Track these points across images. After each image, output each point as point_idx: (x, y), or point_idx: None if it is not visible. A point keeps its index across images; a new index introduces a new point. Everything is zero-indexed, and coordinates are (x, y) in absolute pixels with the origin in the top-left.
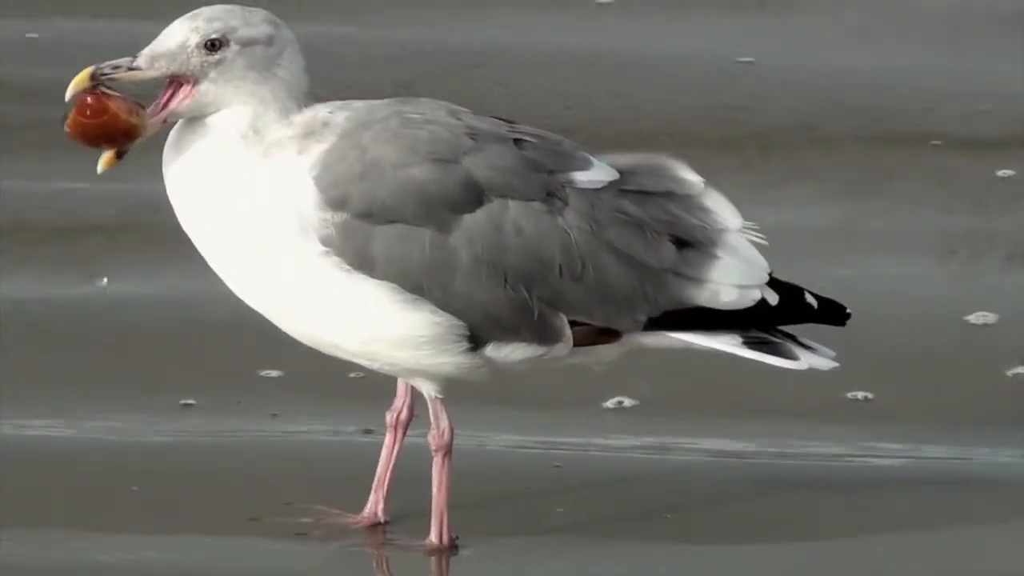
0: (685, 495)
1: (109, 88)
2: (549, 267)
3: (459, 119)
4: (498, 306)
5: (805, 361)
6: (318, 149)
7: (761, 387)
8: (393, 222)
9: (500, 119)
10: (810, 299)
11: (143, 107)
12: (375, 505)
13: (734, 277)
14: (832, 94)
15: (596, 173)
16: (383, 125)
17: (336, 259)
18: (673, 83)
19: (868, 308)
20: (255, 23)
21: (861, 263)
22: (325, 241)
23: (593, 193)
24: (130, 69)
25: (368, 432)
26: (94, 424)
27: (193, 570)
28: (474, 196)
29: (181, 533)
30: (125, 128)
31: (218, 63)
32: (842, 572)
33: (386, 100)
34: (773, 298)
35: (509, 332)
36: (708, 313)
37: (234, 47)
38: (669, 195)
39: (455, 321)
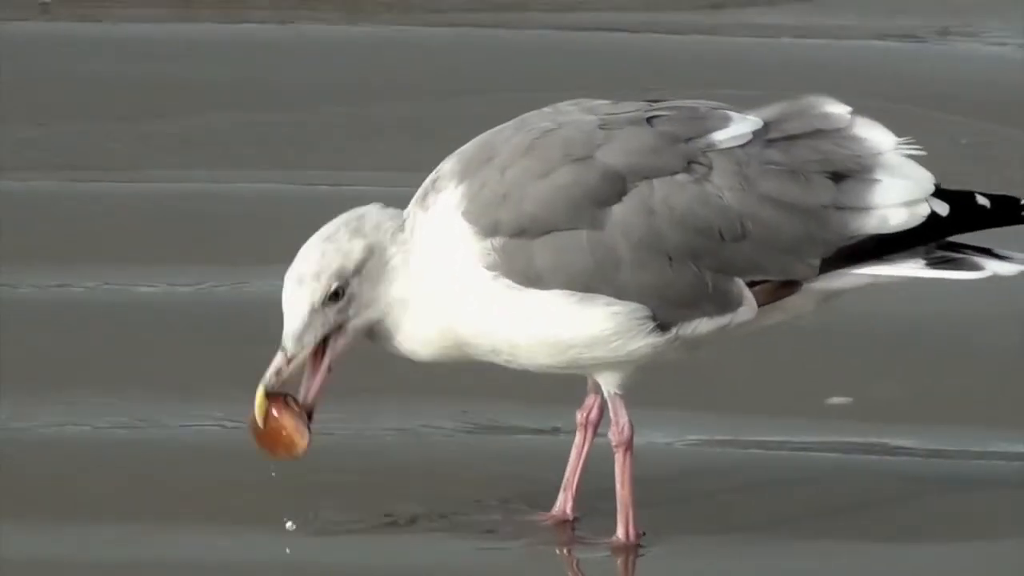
0: (872, 494)
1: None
2: (709, 235)
3: (594, 114)
4: (671, 287)
5: (989, 270)
6: (447, 194)
7: (963, 387)
8: (549, 232)
9: (646, 100)
10: (982, 200)
11: (308, 429)
12: (564, 503)
13: (899, 196)
14: None
15: (736, 128)
16: (515, 141)
17: (506, 281)
18: None
19: None
20: (351, 249)
21: None
22: (491, 267)
23: (738, 150)
24: (289, 361)
25: (555, 431)
26: None
27: (381, 566)
28: (617, 186)
29: (367, 530)
30: (287, 445)
31: (350, 301)
32: None
33: (510, 123)
34: (943, 208)
35: (689, 308)
36: (883, 240)
37: (354, 281)
38: (817, 133)
39: (634, 305)
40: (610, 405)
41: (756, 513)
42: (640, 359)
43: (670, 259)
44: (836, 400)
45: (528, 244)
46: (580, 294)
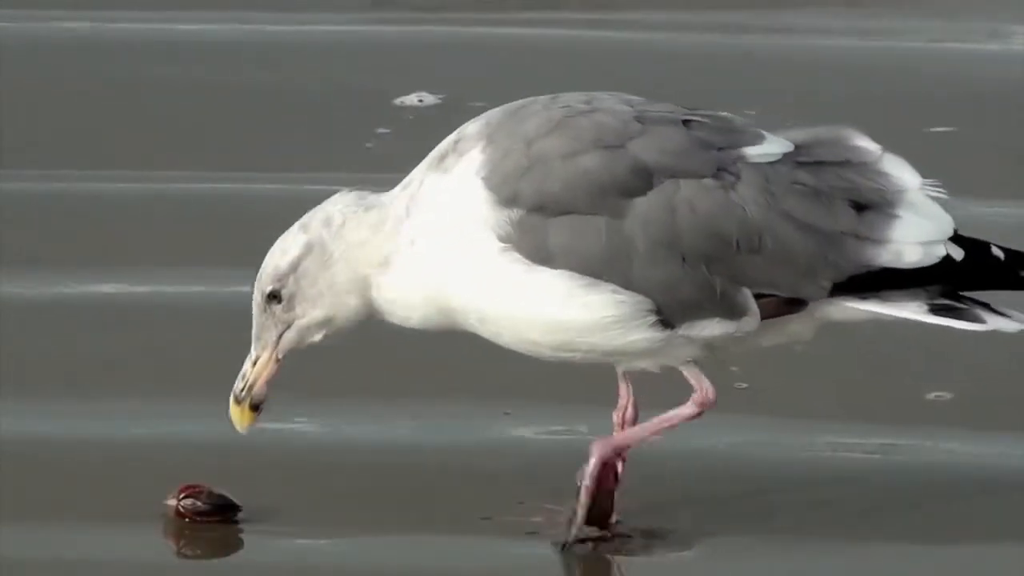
0: (916, 495)
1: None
2: (726, 243)
3: (630, 106)
4: (679, 286)
5: (991, 324)
6: (470, 157)
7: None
8: (567, 213)
9: (681, 107)
10: (996, 252)
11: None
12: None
13: (917, 234)
14: None
15: (768, 147)
16: (546, 115)
17: (516, 255)
18: None
19: None
20: (288, 246)
21: None
22: (504, 239)
23: (767, 167)
24: (254, 365)
25: (507, 415)
26: (338, 422)
27: (424, 567)
28: (644, 180)
29: (412, 531)
30: None
31: (290, 300)
32: None
33: (542, 96)
34: (958, 253)
35: (694, 310)
36: (895, 274)
37: (290, 280)
38: (845, 163)
39: (639, 297)
40: (692, 377)
41: (796, 514)
42: (633, 352)
43: (683, 259)
44: (936, 395)
45: (545, 221)
46: (588, 278)
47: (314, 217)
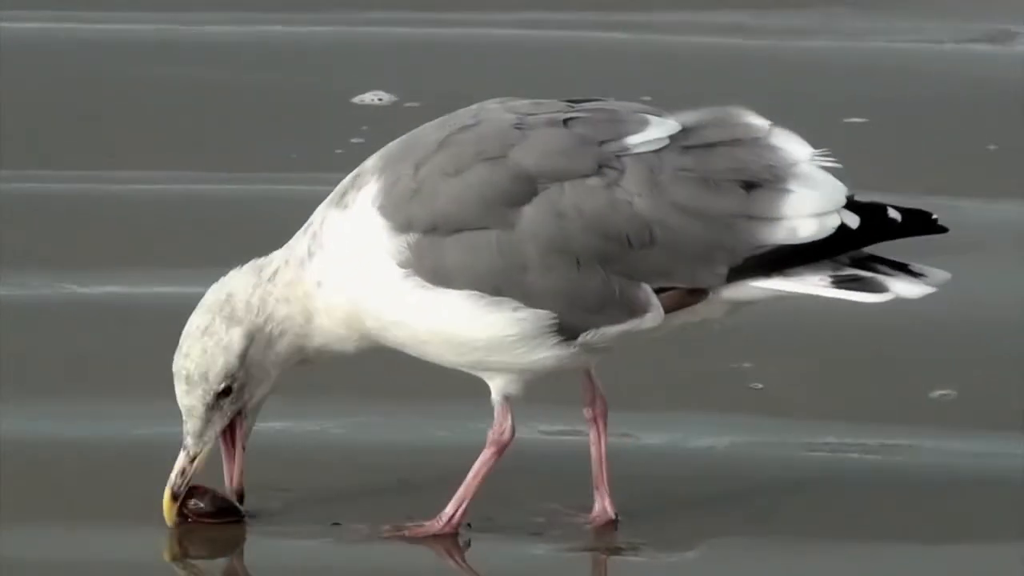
0: (915, 494)
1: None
2: (617, 241)
3: (514, 113)
4: (578, 291)
5: (892, 292)
6: (367, 190)
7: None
8: (459, 231)
9: (568, 101)
10: (893, 214)
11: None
12: (602, 502)
13: (809, 207)
14: None
15: (652, 132)
16: (433, 137)
17: (417, 279)
18: None
19: None
20: (231, 342)
21: None
22: (404, 264)
23: (652, 156)
24: (192, 460)
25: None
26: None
27: (425, 568)
28: (528, 186)
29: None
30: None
31: (240, 390)
32: None
33: (437, 119)
34: (853, 221)
35: (595, 314)
36: (792, 251)
37: (240, 373)
38: (735, 142)
39: (540, 313)
40: (496, 410)
41: (796, 514)
42: (543, 369)
43: (578, 263)
44: (939, 392)
45: (439, 242)
46: (488, 297)
47: (234, 304)
